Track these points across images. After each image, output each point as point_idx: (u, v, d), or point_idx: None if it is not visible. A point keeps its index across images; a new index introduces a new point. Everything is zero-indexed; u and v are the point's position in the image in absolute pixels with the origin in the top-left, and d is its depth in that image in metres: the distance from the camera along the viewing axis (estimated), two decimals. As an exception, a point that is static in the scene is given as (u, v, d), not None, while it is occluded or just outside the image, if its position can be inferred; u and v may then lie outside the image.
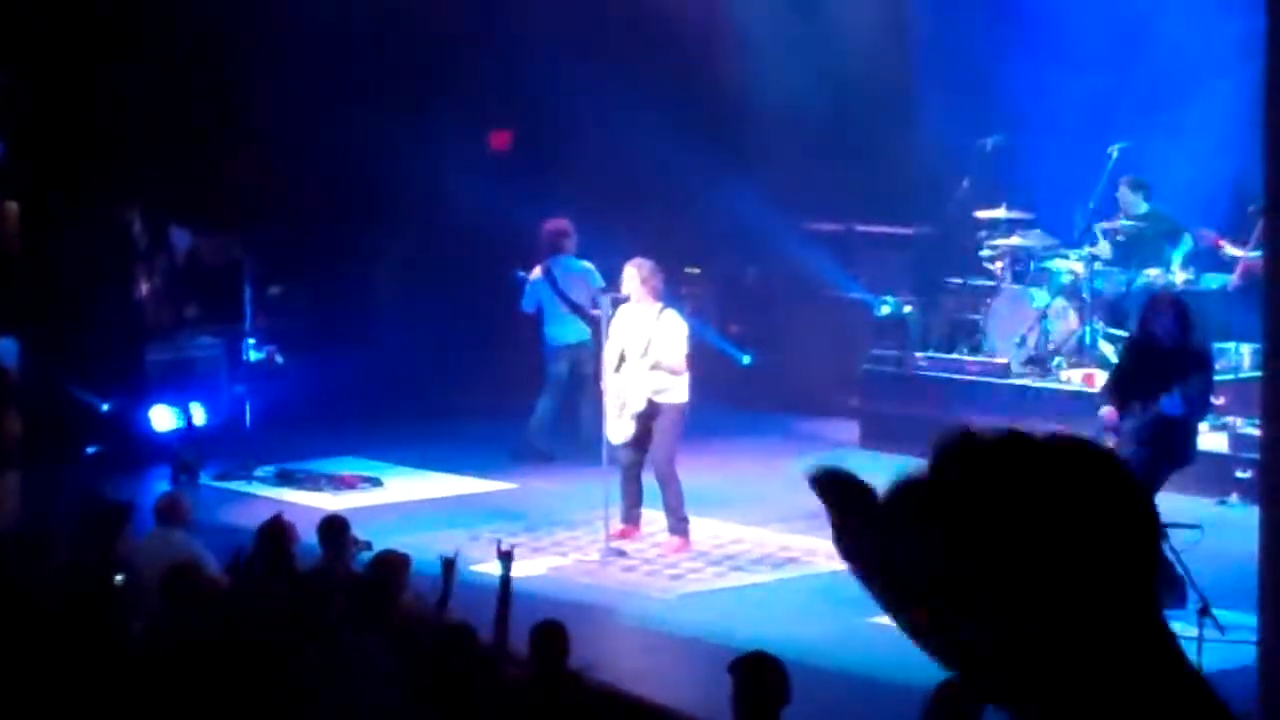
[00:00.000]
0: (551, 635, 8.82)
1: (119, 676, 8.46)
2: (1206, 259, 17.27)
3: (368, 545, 11.08)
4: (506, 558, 10.03)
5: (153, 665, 8.63)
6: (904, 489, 1.87)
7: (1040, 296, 17.38)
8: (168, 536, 11.38)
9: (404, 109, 18.58)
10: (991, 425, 1.94)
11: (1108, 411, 12.54)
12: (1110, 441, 12.20)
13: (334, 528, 10.93)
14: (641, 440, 14.06)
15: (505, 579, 9.90)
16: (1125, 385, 12.53)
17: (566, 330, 16.76)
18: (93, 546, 10.78)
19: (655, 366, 13.92)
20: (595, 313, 14.76)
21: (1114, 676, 1.84)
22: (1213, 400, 12.91)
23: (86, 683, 8.33)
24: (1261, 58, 9.79)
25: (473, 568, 13.43)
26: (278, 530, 10.65)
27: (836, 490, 1.90)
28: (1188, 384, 12.10)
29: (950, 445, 1.86)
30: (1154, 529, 1.91)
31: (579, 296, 16.66)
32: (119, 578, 10.20)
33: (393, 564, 9.99)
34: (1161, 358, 12.23)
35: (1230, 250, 16.64)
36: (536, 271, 16.93)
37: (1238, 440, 14.95)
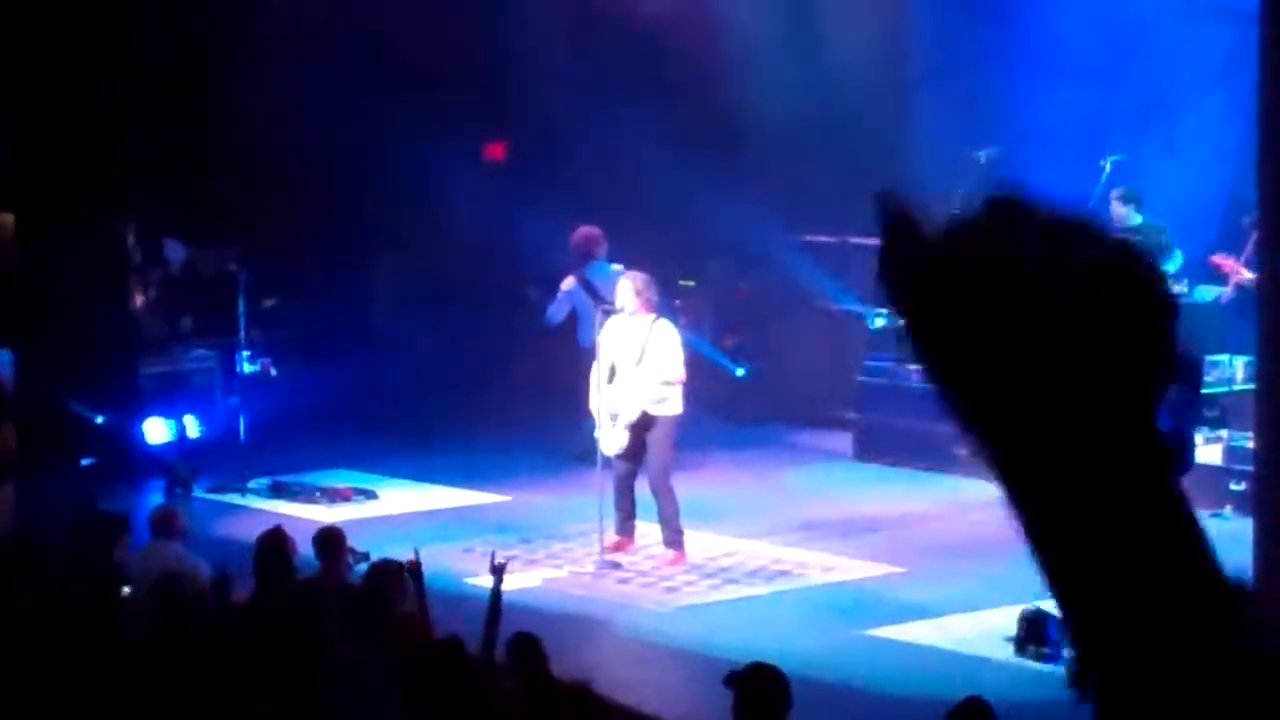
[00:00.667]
0: (526, 647, 8.83)
1: (114, 687, 8.46)
2: (1200, 271, 17.29)
3: (365, 556, 11.06)
4: (499, 571, 10.02)
5: (148, 677, 8.62)
6: (955, 232, 1.91)
7: (1034, 309, 17.37)
8: (163, 549, 11.38)
9: (398, 120, 18.56)
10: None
11: None
12: None
13: (330, 539, 10.92)
14: (635, 452, 14.06)
15: (496, 592, 9.88)
16: None
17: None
18: (89, 558, 10.78)
19: (653, 376, 13.92)
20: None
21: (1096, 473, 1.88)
22: (1204, 410, 12.87)
23: (82, 693, 8.33)
24: (1254, 70, 9.82)
25: (467, 580, 13.45)
26: (279, 542, 10.64)
27: (895, 214, 1.93)
28: (1172, 396, 12.08)
29: (999, 211, 1.89)
30: (1169, 336, 1.93)
31: (614, 298, 16.70)
32: (126, 589, 10.17)
33: (389, 573, 9.99)
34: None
35: (1246, 275, 16.46)
36: (569, 281, 16.86)
37: (1232, 453, 14.95)
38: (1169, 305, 1.93)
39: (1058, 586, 1.88)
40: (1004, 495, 1.90)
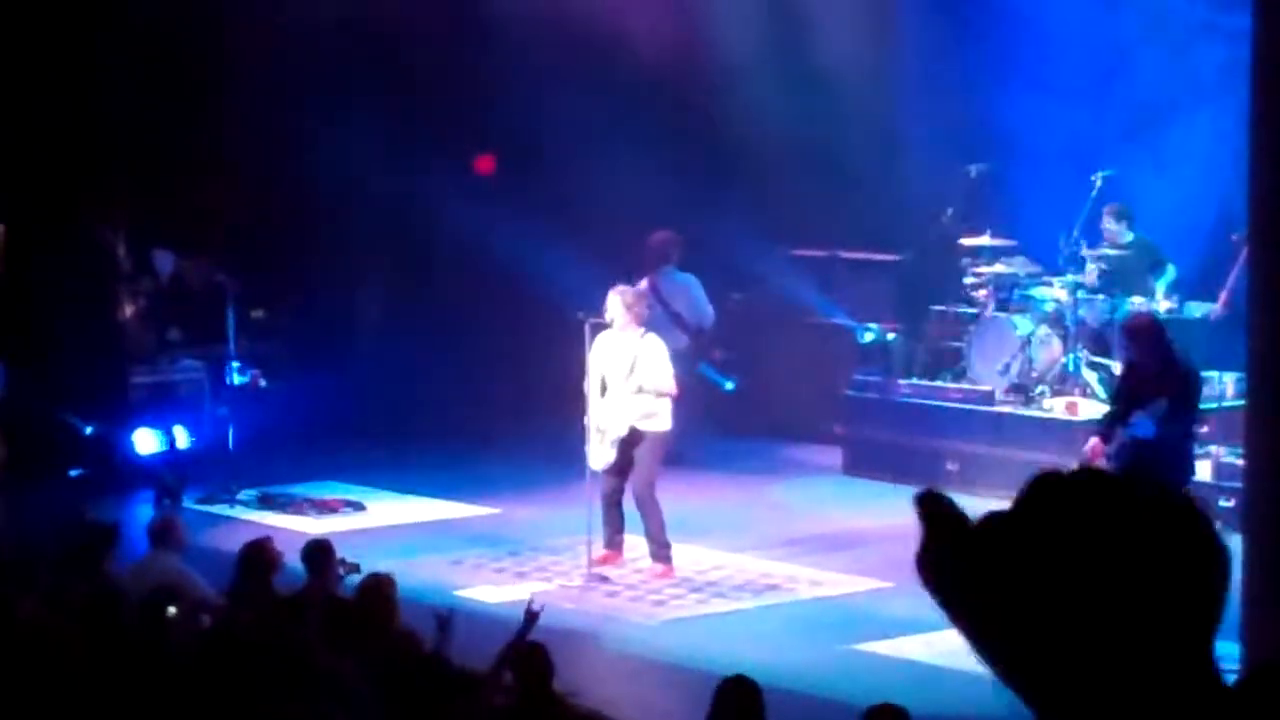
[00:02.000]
0: (532, 658, 8.79)
1: (112, 698, 8.43)
2: (1190, 287, 17.31)
3: (356, 568, 11.03)
4: (533, 618, 9.74)
5: (146, 687, 8.59)
6: (991, 521, 1.95)
7: (1024, 324, 17.41)
8: (162, 560, 11.35)
9: (387, 132, 18.58)
10: (1073, 465, 2.06)
11: (1092, 443, 12.55)
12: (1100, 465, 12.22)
13: (318, 551, 10.90)
14: (622, 467, 14.05)
15: (523, 633, 9.64)
16: (1119, 411, 12.52)
17: (667, 339, 16.31)
18: (80, 568, 10.74)
19: (642, 390, 13.90)
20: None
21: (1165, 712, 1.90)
22: (1195, 421, 12.79)
23: (78, 704, 8.30)
24: (1244, 87, 9.83)
25: (457, 593, 13.44)
26: (255, 554, 10.62)
27: (934, 513, 1.98)
28: (1157, 405, 12.05)
29: (1034, 483, 1.93)
30: (1225, 579, 1.97)
31: (680, 306, 16.88)
32: (172, 610, 10.05)
33: (380, 588, 9.96)
34: (1147, 383, 12.23)
35: None
36: (644, 284, 16.94)
37: (1221, 469, 14.96)
38: (1226, 560, 1.98)
39: None
40: None
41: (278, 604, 10.30)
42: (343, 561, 11.02)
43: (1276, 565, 9.42)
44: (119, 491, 16.60)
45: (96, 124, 17.45)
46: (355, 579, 10.67)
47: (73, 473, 17.03)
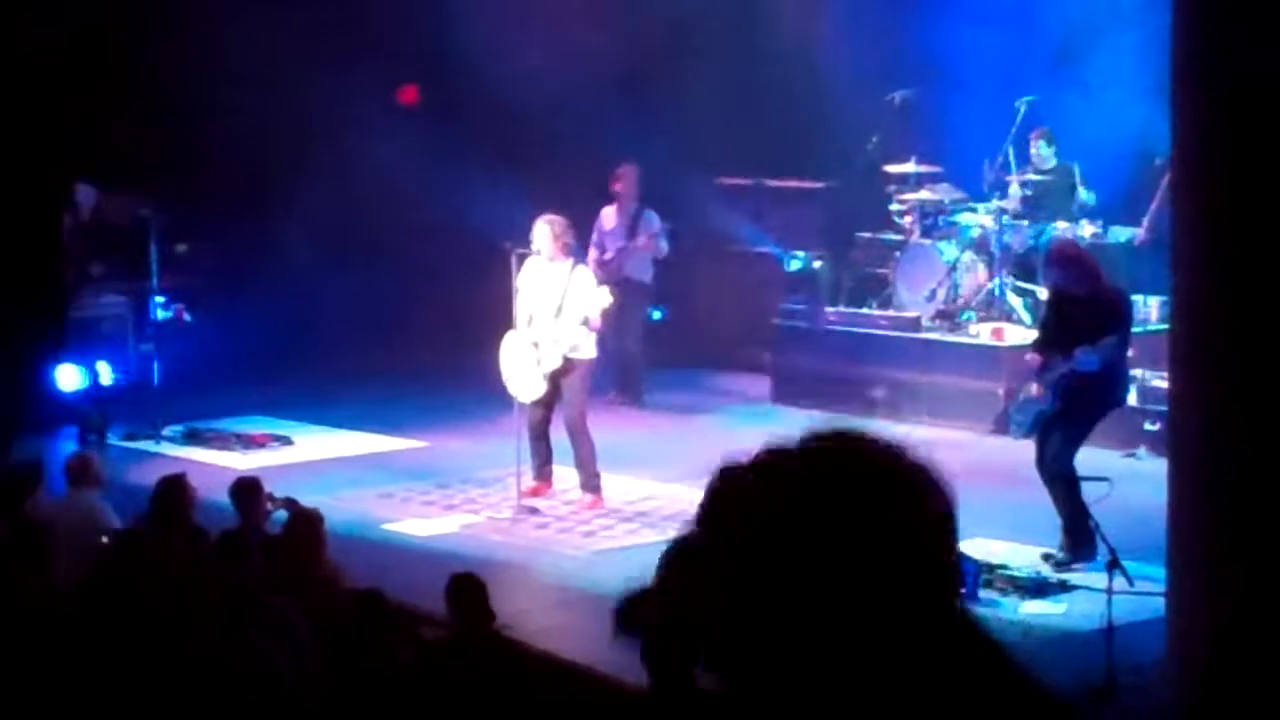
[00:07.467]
0: (469, 589, 8.75)
1: (40, 638, 8.37)
2: (1113, 212, 17.38)
3: (283, 504, 10.99)
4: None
5: (74, 627, 8.53)
6: (675, 554, 1.98)
7: (949, 250, 17.46)
8: (80, 497, 11.27)
9: (311, 63, 18.42)
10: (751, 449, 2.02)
11: (1030, 357, 12.60)
12: (1034, 388, 12.27)
13: (246, 488, 10.84)
14: (550, 398, 14.00)
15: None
16: (1050, 337, 12.54)
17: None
18: (2, 510, 10.65)
19: (573, 322, 13.83)
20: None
21: (926, 672, 1.87)
22: (1129, 343, 12.83)
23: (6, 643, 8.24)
24: (1167, 10, 9.84)
25: (385, 527, 13.43)
26: (169, 490, 10.54)
27: (631, 614, 2.00)
28: (1104, 340, 12.07)
29: (714, 490, 1.94)
30: (944, 521, 1.92)
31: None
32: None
33: (308, 521, 9.93)
34: (1077, 306, 12.24)
35: None
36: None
37: (1145, 393, 15.05)
38: (943, 510, 1.92)
39: None
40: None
41: (201, 540, 10.23)
42: (270, 497, 10.98)
43: (1199, 489, 9.48)
44: (41, 429, 16.47)
45: (19, 56, 17.23)
46: (282, 515, 10.64)
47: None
